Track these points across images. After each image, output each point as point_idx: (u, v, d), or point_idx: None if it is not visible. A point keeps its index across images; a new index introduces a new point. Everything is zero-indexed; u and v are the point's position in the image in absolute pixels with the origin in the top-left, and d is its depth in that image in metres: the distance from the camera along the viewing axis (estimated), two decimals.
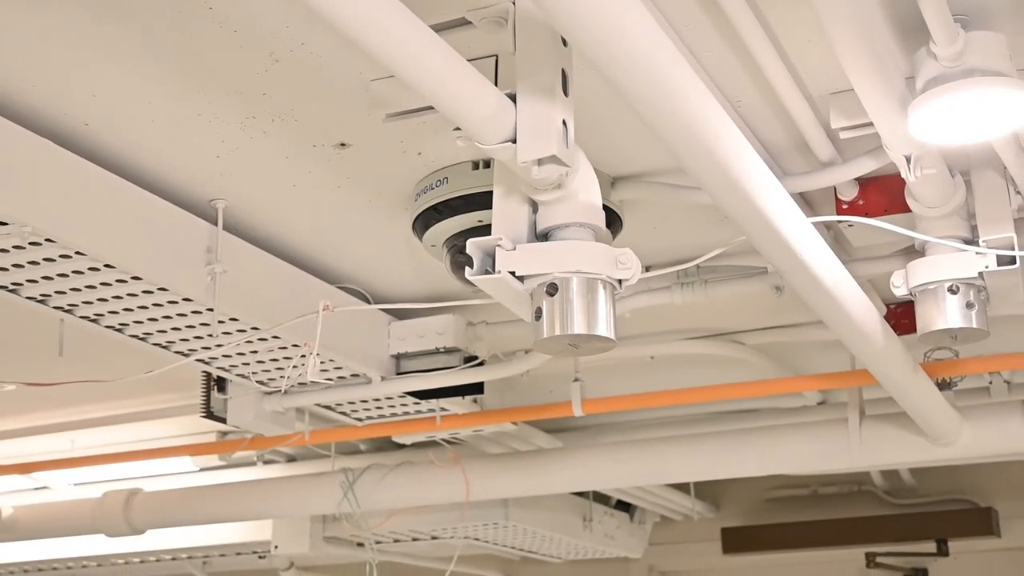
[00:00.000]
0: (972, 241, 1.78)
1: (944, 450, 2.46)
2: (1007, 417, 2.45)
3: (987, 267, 1.75)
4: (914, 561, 3.84)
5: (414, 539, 3.58)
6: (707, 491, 4.03)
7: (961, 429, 2.43)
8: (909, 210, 1.79)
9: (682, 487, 3.79)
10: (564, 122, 1.32)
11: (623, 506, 3.89)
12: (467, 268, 1.39)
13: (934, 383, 2.22)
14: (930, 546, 3.74)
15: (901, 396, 2.14)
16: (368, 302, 2.32)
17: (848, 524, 3.77)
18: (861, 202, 1.92)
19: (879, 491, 3.90)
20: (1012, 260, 1.73)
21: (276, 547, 3.53)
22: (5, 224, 1.65)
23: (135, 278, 1.85)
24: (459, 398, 2.55)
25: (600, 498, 3.74)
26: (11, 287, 1.86)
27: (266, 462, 3.48)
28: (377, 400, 2.55)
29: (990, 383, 2.83)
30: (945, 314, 1.78)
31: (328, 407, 2.60)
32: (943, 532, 3.71)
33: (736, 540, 3.89)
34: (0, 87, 1.62)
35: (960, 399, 2.56)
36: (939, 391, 2.26)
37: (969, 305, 1.78)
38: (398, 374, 2.41)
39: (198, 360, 2.22)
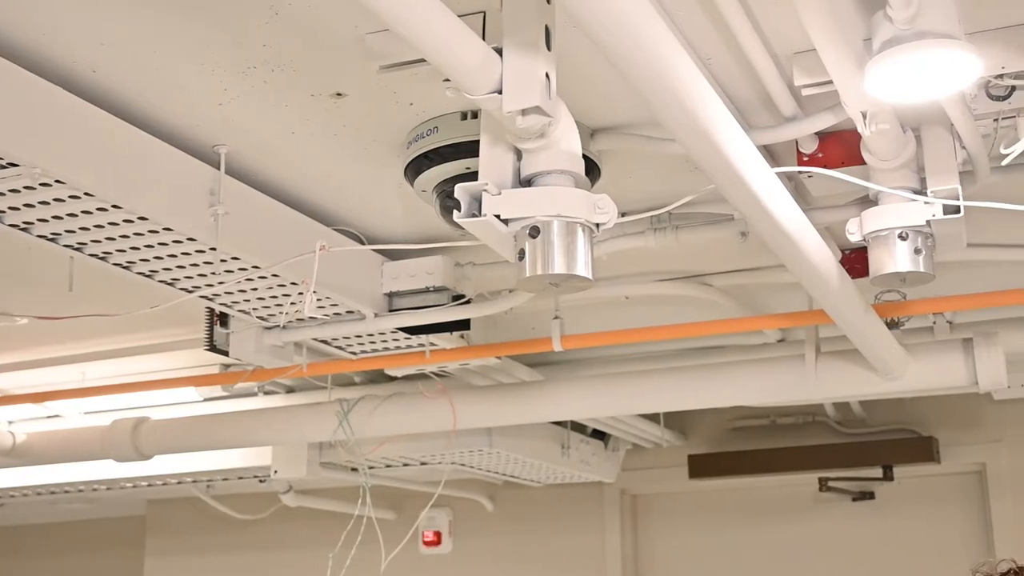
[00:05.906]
0: (921, 192, 1.80)
1: (891, 384, 2.52)
2: (948, 354, 2.51)
3: (934, 216, 1.78)
4: (862, 485, 3.94)
5: (404, 464, 3.64)
6: (675, 421, 4.09)
7: (907, 365, 2.48)
8: (864, 163, 1.82)
9: (652, 417, 3.85)
10: (547, 75, 1.33)
11: (598, 434, 3.95)
12: (455, 211, 1.41)
13: (884, 322, 2.27)
14: (877, 471, 3.83)
15: (854, 334, 2.19)
16: (362, 243, 2.33)
17: (803, 451, 3.85)
18: (820, 155, 1.94)
19: (831, 421, 3.98)
20: (957, 209, 1.76)
21: (276, 472, 3.56)
22: (16, 165, 1.64)
23: (141, 218, 1.85)
24: (447, 334, 2.58)
25: (577, 427, 3.80)
26: (23, 226, 1.86)
27: (266, 393, 3.50)
28: (371, 335, 2.58)
29: (934, 323, 2.88)
30: (895, 258, 1.81)
31: (325, 341, 2.63)
32: (889, 459, 3.80)
33: (702, 466, 3.96)
34: (13, 37, 1.61)
35: (906, 337, 2.62)
36: (888, 330, 2.31)
37: (917, 251, 1.82)
38: (390, 311, 2.43)
39: (202, 296, 2.23)
